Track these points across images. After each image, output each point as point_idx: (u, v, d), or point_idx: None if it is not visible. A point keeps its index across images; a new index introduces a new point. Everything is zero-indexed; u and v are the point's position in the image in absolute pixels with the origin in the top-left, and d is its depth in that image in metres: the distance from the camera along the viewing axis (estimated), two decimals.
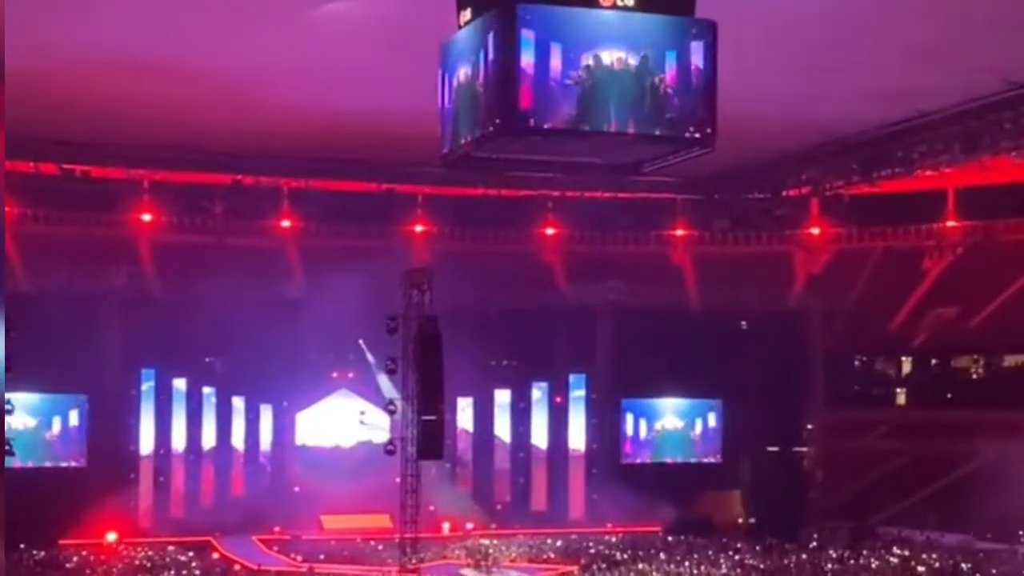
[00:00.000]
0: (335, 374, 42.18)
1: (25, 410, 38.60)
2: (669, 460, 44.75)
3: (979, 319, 44.01)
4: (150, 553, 37.28)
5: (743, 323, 44.52)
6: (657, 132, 19.44)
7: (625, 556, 37.19)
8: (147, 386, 40.80)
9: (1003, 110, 34.57)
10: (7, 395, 35.98)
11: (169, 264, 41.86)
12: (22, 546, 35.26)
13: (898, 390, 46.70)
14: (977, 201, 44.22)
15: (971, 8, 25.35)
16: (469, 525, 41.20)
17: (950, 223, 45.47)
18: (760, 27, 24.61)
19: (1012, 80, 32.30)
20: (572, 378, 44.29)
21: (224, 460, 41.89)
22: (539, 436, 44.29)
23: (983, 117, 35.21)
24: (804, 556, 37.04)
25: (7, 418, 36.71)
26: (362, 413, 42.12)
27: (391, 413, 33.72)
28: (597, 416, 44.37)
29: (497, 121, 18.63)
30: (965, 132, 36.18)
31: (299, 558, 36.62)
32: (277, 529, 39.95)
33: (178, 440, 41.35)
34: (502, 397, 44.03)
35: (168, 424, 41.19)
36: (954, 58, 29.26)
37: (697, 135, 19.76)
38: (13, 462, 36.88)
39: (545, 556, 38.04)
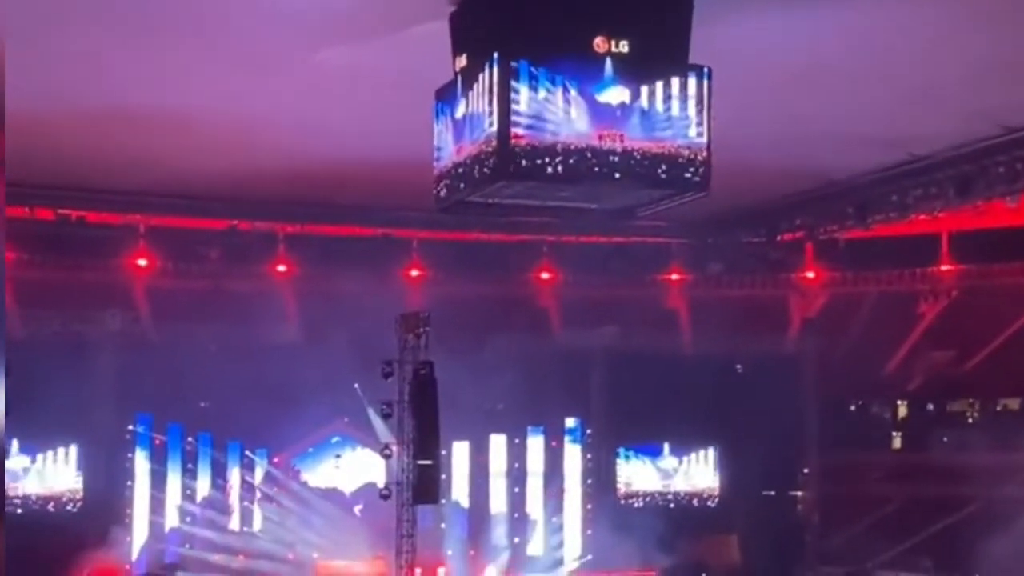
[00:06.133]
0: (332, 418, 42.12)
1: (18, 454, 38.55)
2: (665, 503, 44.72)
3: (974, 363, 43.98)
4: None
5: (738, 367, 44.52)
6: (652, 176, 19.56)
7: None
8: (141, 430, 40.81)
9: (997, 154, 34.60)
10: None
11: (164, 309, 41.79)
12: None
13: (893, 434, 46.58)
14: (971, 245, 44.21)
15: (964, 52, 25.42)
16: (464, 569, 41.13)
17: (944, 267, 45.45)
18: (753, 74, 24.69)
19: (1005, 124, 32.35)
20: (568, 422, 44.37)
21: (219, 505, 41.80)
22: (535, 479, 44.25)
23: (977, 161, 35.22)
24: None
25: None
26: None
27: (387, 457, 33.69)
28: (593, 460, 44.37)
29: (492, 166, 18.73)
30: (959, 176, 36.19)
31: None
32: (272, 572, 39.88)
33: (173, 485, 41.32)
34: (497, 441, 44.01)
35: (163, 469, 41.18)
36: (948, 102, 29.34)
37: (692, 179, 19.88)
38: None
39: None
